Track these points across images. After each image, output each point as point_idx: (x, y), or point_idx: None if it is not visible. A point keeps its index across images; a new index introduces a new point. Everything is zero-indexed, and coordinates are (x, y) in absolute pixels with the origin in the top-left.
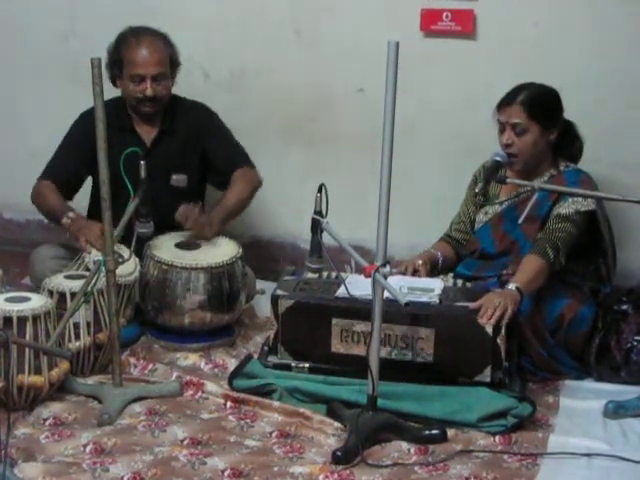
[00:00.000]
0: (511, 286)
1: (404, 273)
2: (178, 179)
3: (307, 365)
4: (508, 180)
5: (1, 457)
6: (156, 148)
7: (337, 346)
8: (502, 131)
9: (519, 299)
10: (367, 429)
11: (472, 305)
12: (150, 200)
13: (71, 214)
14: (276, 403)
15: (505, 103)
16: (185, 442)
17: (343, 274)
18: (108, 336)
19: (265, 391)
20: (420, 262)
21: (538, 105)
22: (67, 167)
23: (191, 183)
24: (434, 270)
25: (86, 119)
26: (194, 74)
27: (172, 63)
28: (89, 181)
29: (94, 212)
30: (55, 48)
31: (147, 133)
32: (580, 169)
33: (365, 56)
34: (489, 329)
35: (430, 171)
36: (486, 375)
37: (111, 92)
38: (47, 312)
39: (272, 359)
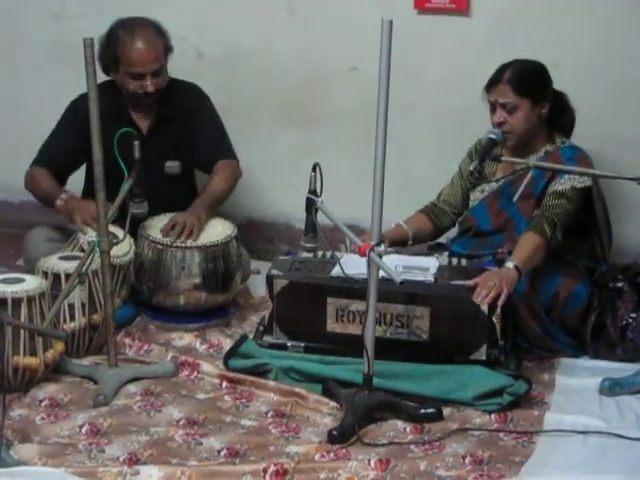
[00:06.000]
0: (509, 264)
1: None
2: (171, 166)
3: (302, 344)
4: (503, 158)
5: None
6: (153, 136)
7: (332, 325)
8: (493, 111)
9: (517, 278)
10: (363, 408)
11: (468, 283)
12: (144, 181)
13: (64, 195)
14: (272, 383)
15: (492, 83)
16: (181, 422)
17: (338, 253)
18: (103, 317)
19: (261, 371)
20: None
21: (525, 81)
22: (60, 154)
23: (184, 168)
24: (401, 245)
25: (78, 106)
26: (188, 54)
27: (166, 51)
28: (82, 167)
29: (88, 196)
30: (46, 29)
31: (143, 121)
32: (576, 146)
33: (359, 35)
34: (484, 307)
35: (424, 149)
36: (482, 353)
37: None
38: (42, 293)
39: (267, 339)
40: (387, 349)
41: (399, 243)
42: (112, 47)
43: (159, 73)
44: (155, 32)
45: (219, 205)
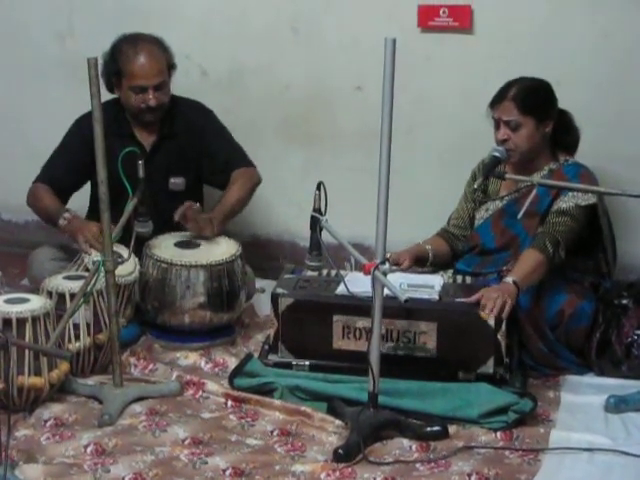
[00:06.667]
0: (508, 279)
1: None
2: (176, 183)
3: (308, 363)
4: (507, 176)
5: (2, 459)
6: (156, 153)
7: (339, 343)
8: (497, 128)
9: (516, 292)
10: (368, 426)
11: (470, 299)
12: (149, 200)
13: (67, 215)
14: (277, 402)
15: (497, 100)
16: (186, 442)
17: (343, 272)
18: (108, 336)
19: (266, 390)
20: (402, 255)
21: (529, 99)
22: (64, 172)
23: (189, 185)
24: (421, 264)
25: (83, 124)
26: (192, 72)
27: (169, 68)
28: (87, 186)
29: (93, 216)
30: (53, 48)
31: (146, 138)
32: (580, 163)
33: (363, 53)
34: (491, 321)
35: (428, 167)
36: (489, 366)
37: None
38: (46, 313)
39: (273, 358)
40: (394, 365)
41: (420, 261)
42: (115, 61)
43: (161, 87)
44: (158, 47)
45: (235, 215)
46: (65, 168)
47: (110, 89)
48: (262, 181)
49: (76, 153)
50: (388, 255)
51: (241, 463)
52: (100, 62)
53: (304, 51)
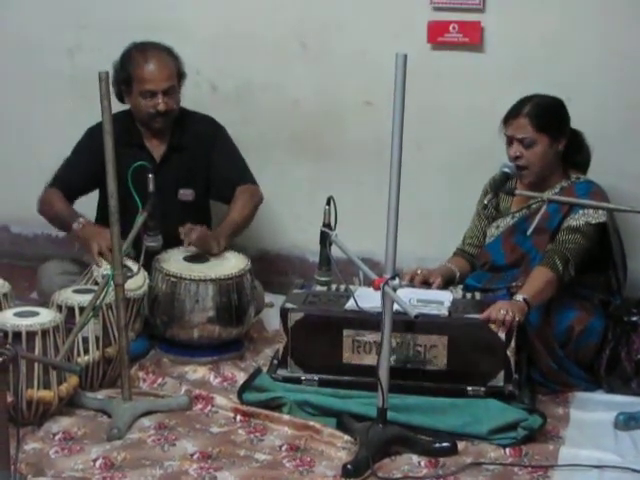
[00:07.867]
0: (518, 297)
1: (413, 279)
2: (185, 193)
3: (317, 378)
4: (517, 192)
5: (11, 472)
6: (165, 163)
7: (348, 357)
8: (510, 144)
9: (526, 310)
10: (377, 442)
11: (480, 316)
12: (158, 214)
13: (82, 220)
14: (286, 416)
15: (511, 116)
16: (195, 456)
17: (352, 287)
18: (117, 350)
19: (275, 404)
20: (433, 275)
21: (544, 116)
22: (75, 180)
23: (198, 197)
24: (449, 285)
25: (94, 133)
26: (202, 87)
27: (179, 75)
28: (95, 198)
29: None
30: (61, 63)
31: (156, 148)
32: (591, 181)
33: (372, 69)
34: (502, 334)
35: (437, 182)
36: (499, 380)
37: (118, 105)
38: (56, 326)
39: (282, 372)
40: (404, 379)
41: (448, 282)
42: (125, 68)
43: (170, 93)
44: (167, 53)
45: (240, 232)
46: (77, 175)
47: (120, 98)
48: (264, 200)
49: (87, 162)
50: (418, 272)
51: (250, 478)
52: (111, 71)
53: (313, 66)
